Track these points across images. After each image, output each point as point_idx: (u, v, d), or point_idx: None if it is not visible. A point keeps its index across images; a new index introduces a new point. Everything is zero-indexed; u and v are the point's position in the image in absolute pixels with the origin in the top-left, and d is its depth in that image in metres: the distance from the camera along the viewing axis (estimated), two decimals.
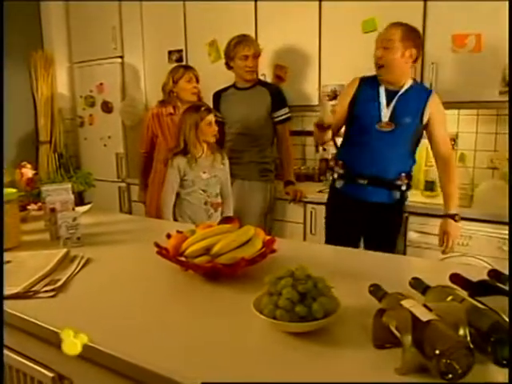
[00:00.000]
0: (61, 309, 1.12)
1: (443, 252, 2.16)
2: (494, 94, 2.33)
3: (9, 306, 1.11)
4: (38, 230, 1.80)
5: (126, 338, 0.96)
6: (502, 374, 0.78)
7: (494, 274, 1.04)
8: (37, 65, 3.87)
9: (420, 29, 2.45)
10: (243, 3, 3.02)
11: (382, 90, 2.13)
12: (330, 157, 2.99)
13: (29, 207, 2.02)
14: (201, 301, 1.16)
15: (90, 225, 1.83)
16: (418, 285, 1.03)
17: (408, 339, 0.79)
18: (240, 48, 2.65)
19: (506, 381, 0.76)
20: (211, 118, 2.30)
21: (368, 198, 2.18)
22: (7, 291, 1.16)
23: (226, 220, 1.55)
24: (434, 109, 2.10)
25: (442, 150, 2.14)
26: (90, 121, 3.94)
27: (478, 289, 0.98)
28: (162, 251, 1.32)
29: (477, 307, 0.85)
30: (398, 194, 2.17)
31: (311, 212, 2.72)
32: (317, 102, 2.86)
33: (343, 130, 2.28)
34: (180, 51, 3.39)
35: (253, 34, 2.92)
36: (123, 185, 3.75)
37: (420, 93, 2.13)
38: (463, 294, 0.93)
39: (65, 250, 1.47)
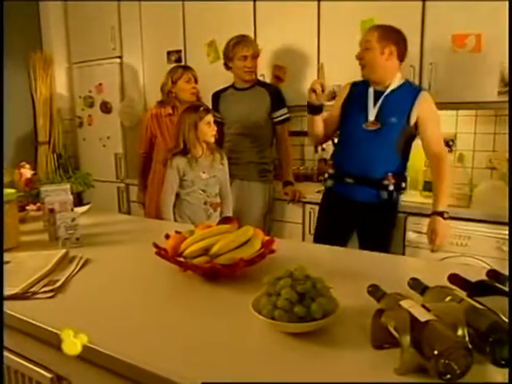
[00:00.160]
0: (59, 309, 1.12)
1: (432, 250, 2.16)
2: (492, 95, 2.33)
3: (7, 307, 1.11)
4: (37, 231, 1.80)
5: (124, 339, 0.96)
6: (500, 374, 0.78)
7: (492, 274, 1.04)
8: (36, 65, 3.87)
9: (418, 29, 2.46)
10: (242, 3, 3.02)
11: (370, 91, 2.16)
12: (328, 157, 3.00)
13: (28, 208, 2.02)
14: (200, 301, 1.16)
15: (89, 225, 1.83)
16: (417, 285, 1.03)
17: (406, 339, 0.79)
18: (239, 48, 2.65)
19: (505, 381, 0.76)
20: (210, 117, 2.31)
21: (356, 197, 2.19)
22: (6, 292, 1.16)
23: (224, 220, 1.55)
24: (423, 108, 2.09)
25: (434, 149, 2.13)
26: (89, 121, 3.94)
27: (476, 289, 0.98)
28: (160, 252, 1.32)
29: (475, 307, 0.85)
30: (385, 194, 2.15)
31: (310, 212, 2.72)
32: None
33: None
34: (179, 51, 3.39)
35: (252, 35, 2.92)
36: (122, 185, 3.75)
37: (409, 93, 2.12)
38: (462, 294, 0.93)
39: (64, 251, 1.47)
